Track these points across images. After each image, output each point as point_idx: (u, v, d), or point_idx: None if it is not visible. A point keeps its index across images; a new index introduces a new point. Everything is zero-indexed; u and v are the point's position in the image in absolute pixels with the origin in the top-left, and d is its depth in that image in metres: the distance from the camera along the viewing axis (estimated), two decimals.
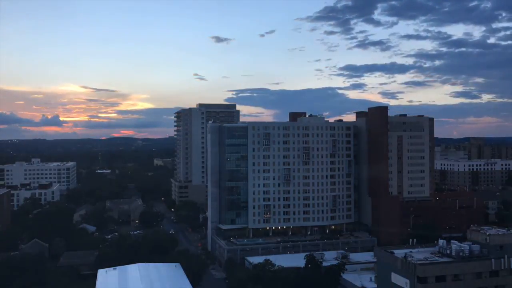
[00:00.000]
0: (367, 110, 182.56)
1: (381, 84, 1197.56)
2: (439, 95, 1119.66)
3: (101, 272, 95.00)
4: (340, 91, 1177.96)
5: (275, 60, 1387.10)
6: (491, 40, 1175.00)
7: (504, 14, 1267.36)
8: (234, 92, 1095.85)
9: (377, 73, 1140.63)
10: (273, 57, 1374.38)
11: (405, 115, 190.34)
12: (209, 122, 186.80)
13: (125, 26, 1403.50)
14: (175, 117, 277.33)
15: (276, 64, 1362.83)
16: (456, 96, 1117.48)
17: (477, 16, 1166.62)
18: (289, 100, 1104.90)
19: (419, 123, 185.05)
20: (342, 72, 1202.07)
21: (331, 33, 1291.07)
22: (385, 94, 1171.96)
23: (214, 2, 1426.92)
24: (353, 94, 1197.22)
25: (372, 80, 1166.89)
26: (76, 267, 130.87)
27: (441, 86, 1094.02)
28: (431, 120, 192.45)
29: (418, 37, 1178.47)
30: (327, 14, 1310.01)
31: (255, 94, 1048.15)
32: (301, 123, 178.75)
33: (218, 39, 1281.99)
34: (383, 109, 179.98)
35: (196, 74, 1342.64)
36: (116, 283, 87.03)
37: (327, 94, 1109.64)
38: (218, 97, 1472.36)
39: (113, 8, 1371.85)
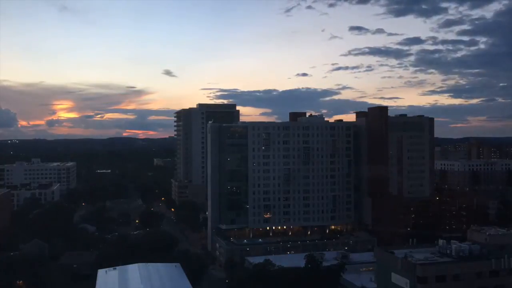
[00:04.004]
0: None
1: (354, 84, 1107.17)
2: (416, 96, 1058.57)
3: (101, 272, 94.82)
4: (319, 92, 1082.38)
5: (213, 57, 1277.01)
6: (451, 37, 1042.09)
7: (453, 6, 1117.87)
8: (212, 91, 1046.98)
9: (345, 71, 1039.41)
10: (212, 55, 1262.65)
11: (405, 115, 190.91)
12: (209, 122, 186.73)
13: (123, 27, 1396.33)
14: (175, 117, 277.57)
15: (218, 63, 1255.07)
16: (450, 96, 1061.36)
17: (428, 9, 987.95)
18: (269, 100, 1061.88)
19: (419, 123, 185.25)
20: (306, 72, 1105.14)
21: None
22: (361, 95, 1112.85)
23: None
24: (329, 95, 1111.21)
25: (344, 80, 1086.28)
26: (76, 267, 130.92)
27: (421, 87, 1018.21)
28: (431, 120, 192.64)
29: (363, 29, 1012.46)
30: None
31: (232, 93, 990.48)
32: (301, 123, 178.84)
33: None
34: (383, 109, 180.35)
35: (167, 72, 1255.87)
36: (116, 283, 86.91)
37: (310, 94, 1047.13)
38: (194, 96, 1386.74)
39: (118, 6, 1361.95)
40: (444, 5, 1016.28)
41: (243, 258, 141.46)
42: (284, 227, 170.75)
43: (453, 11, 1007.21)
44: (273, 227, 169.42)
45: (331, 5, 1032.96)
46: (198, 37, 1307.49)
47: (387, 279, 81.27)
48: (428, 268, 75.47)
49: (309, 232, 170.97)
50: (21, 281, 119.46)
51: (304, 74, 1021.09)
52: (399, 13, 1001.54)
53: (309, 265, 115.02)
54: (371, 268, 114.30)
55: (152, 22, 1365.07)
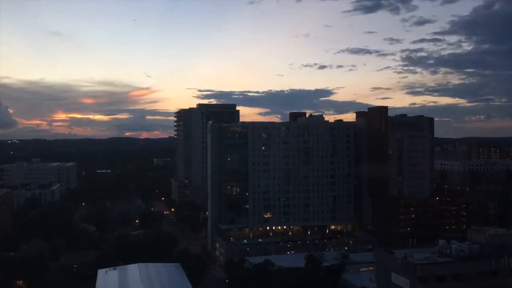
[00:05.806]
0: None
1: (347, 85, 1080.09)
2: (411, 96, 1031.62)
3: (101, 272, 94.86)
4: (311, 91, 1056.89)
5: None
6: (429, 36, 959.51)
7: (426, 3, 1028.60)
8: (203, 93, 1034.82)
9: (330, 69, 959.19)
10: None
11: (405, 115, 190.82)
12: (209, 122, 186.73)
13: (124, 28, 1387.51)
14: (175, 117, 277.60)
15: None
16: (447, 96, 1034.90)
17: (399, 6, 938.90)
18: (262, 100, 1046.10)
19: (419, 123, 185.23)
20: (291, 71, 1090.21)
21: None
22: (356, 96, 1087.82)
23: None
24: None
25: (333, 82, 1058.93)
26: (76, 267, 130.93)
27: (413, 87, 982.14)
28: (431, 120, 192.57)
29: (336, 27, 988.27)
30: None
31: (223, 93, 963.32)
32: (301, 123, 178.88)
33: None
34: (383, 109, 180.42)
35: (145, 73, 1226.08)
36: (116, 283, 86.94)
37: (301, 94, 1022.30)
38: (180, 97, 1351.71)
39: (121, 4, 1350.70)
40: (415, 2, 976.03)
41: (243, 258, 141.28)
42: (284, 227, 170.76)
43: (425, 8, 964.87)
44: (273, 227, 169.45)
45: (298, 0, 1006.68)
46: (194, 39, 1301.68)
47: (387, 279, 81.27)
48: (428, 268, 75.48)
49: (309, 232, 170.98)
50: (21, 281, 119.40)
51: (290, 74, 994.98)
52: (368, 9, 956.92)
53: (309, 265, 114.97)
54: (371, 268, 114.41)
55: (151, 23, 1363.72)
